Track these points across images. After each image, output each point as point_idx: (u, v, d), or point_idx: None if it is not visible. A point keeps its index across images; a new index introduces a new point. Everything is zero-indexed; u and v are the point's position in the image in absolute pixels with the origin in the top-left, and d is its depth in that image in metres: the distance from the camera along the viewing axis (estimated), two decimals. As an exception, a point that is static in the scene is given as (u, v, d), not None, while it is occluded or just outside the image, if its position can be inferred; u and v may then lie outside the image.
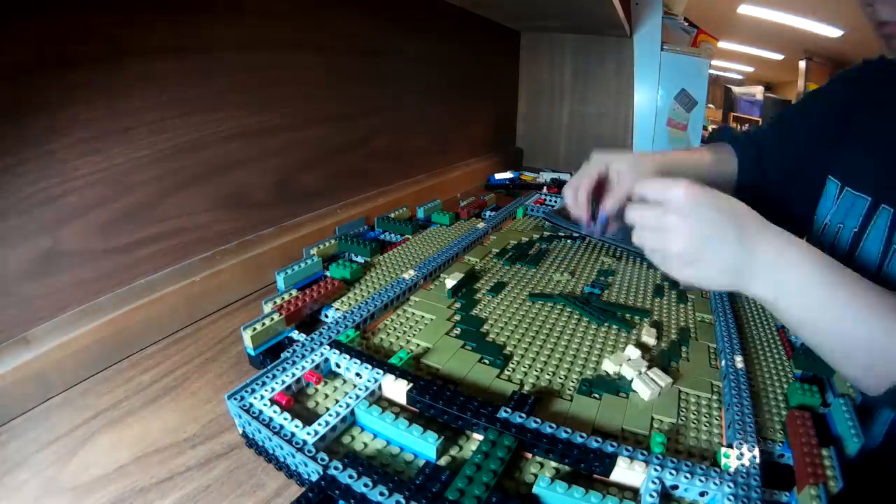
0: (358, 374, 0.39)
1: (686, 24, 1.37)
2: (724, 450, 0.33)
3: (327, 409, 0.34)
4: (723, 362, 0.45)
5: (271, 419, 0.33)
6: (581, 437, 0.33)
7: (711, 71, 1.14)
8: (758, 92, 4.04)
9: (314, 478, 0.30)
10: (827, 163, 0.61)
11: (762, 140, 0.66)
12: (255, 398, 0.35)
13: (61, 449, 0.34)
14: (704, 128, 1.15)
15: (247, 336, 0.41)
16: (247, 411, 0.33)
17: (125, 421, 0.36)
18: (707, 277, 0.38)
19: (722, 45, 3.71)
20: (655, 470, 0.31)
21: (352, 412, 0.35)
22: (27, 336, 0.38)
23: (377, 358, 0.39)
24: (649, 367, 0.42)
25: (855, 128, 0.57)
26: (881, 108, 0.54)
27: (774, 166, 0.64)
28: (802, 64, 3.85)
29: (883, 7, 0.44)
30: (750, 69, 4.93)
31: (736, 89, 4.08)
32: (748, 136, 0.69)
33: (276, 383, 0.36)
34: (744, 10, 2.87)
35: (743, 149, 0.66)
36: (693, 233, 0.37)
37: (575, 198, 0.56)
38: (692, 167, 0.65)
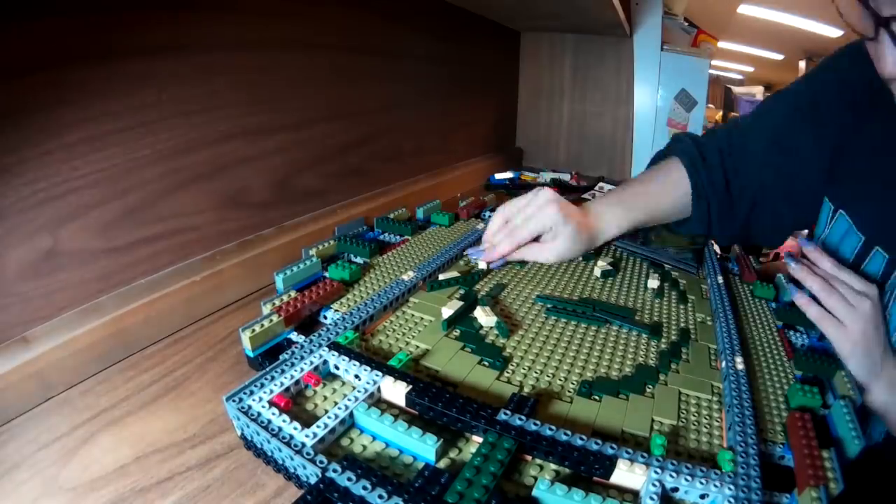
0: (357, 376, 0.39)
1: (686, 24, 1.37)
2: (724, 451, 0.34)
3: (326, 412, 0.34)
4: (723, 364, 0.45)
5: (270, 421, 0.33)
6: (581, 439, 0.33)
7: (711, 71, 1.14)
8: (758, 92, 4.04)
9: (313, 480, 0.30)
10: (826, 185, 0.57)
11: (735, 163, 0.61)
12: (253, 400, 0.34)
13: (61, 449, 0.34)
14: (704, 128, 1.15)
15: (245, 337, 0.41)
16: (245, 413, 0.33)
17: (125, 421, 0.36)
18: (857, 357, 0.45)
19: (722, 45, 3.70)
20: (656, 472, 0.31)
21: (351, 414, 0.34)
22: (27, 336, 0.38)
23: (376, 360, 0.39)
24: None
25: (854, 153, 0.54)
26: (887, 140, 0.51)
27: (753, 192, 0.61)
28: (802, 64, 3.84)
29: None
30: (750, 69, 4.93)
31: (736, 89, 4.08)
32: (706, 163, 0.61)
33: (275, 385, 0.36)
34: (744, 10, 2.87)
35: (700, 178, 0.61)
36: (875, 323, 0.46)
37: (505, 238, 0.59)
38: (667, 210, 0.64)
